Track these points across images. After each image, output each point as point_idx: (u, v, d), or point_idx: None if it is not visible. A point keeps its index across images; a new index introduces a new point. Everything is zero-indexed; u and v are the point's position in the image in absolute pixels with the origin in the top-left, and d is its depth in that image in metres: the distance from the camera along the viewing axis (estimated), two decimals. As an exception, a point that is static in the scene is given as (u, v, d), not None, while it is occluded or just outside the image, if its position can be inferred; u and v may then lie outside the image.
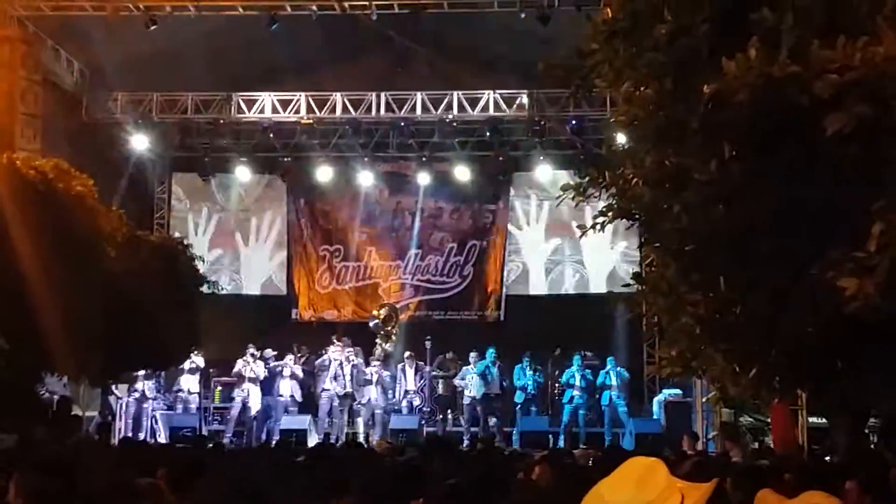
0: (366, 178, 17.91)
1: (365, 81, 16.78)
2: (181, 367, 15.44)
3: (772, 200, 4.14)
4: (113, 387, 14.39)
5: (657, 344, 14.22)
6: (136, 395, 15.38)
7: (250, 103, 16.92)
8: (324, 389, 15.49)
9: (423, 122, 16.92)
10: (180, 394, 15.99)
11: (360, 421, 15.63)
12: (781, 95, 3.53)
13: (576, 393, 15.41)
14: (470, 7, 14.50)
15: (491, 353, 15.70)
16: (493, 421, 15.56)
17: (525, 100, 16.28)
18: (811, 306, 4.23)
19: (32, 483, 3.46)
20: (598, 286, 17.62)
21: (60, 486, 3.45)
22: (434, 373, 16.27)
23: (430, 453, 7.51)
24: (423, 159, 17.48)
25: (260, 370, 15.62)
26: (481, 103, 16.48)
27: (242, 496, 3.62)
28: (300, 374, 15.90)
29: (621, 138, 5.90)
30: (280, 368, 15.76)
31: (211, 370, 16.43)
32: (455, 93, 16.47)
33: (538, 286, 18.27)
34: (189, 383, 15.93)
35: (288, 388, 15.67)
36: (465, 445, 13.70)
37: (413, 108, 16.61)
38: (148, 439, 14.62)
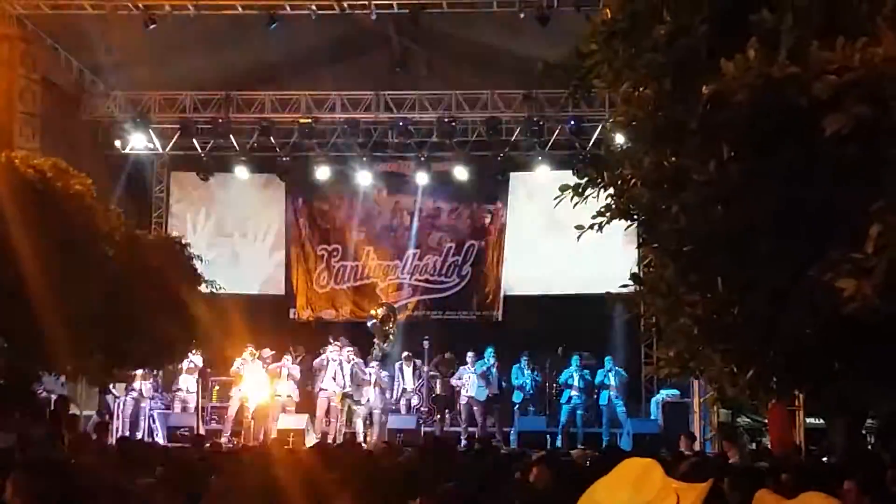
0: (364, 178, 17.89)
1: (364, 81, 16.77)
2: (179, 366, 15.44)
3: (771, 201, 4.13)
4: (111, 386, 14.37)
5: (655, 344, 14.25)
6: (134, 394, 15.38)
7: (249, 103, 16.91)
8: (321, 389, 15.50)
9: (421, 121, 16.92)
10: (178, 393, 16.00)
11: (358, 421, 15.64)
12: (780, 96, 3.53)
13: (574, 393, 15.42)
14: (469, 7, 14.49)
15: (489, 353, 15.70)
16: (490, 421, 15.57)
17: (523, 100, 16.28)
18: (810, 307, 4.23)
19: (30, 482, 3.45)
20: (596, 287, 17.53)
21: (58, 485, 3.44)
22: (432, 373, 16.27)
23: (428, 453, 7.51)
24: (422, 159, 17.45)
25: (258, 369, 15.62)
26: (480, 103, 16.49)
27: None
28: (297, 374, 15.90)
29: (620, 139, 5.89)
30: (277, 368, 15.77)
31: (209, 369, 16.43)
32: (454, 93, 16.48)
33: (536, 286, 18.23)
34: (187, 382, 15.94)
35: (285, 388, 15.67)
36: (462, 445, 13.72)
37: (412, 108, 16.61)
38: (145, 438, 14.64)
